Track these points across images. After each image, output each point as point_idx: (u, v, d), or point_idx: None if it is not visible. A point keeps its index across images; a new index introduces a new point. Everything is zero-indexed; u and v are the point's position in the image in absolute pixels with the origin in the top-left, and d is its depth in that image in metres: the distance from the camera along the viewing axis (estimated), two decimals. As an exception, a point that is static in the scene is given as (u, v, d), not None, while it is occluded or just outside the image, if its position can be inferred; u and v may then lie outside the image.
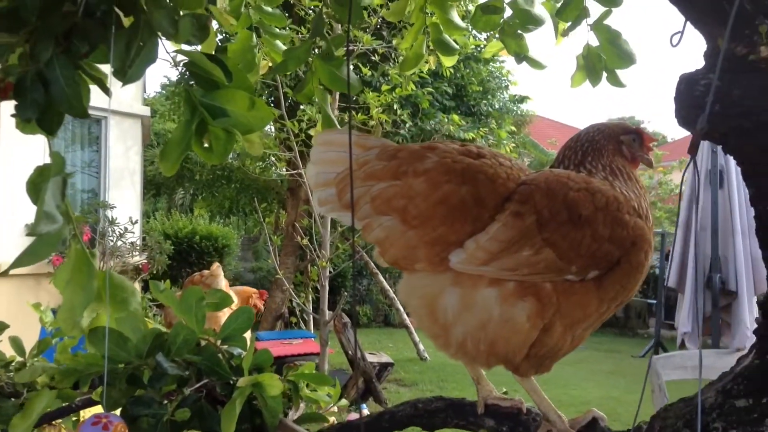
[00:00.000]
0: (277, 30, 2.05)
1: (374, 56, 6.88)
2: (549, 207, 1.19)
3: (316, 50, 1.72)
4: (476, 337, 1.17)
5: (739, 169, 1.13)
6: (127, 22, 1.22)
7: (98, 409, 1.58)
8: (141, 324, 1.35)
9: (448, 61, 2.08)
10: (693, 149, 0.96)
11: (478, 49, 10.55)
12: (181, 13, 1.25)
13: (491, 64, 12.14)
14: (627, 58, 1.74)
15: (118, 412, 1.33)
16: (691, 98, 1.04)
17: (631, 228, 1.20)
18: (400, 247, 1.23)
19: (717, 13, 1.02)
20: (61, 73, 1.17)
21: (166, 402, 1.34)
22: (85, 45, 1.21)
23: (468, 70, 11.64)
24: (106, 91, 1.25)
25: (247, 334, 1.54)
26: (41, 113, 1.17)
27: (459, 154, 1.26)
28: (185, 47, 1.28)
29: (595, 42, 1.77)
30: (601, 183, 1.26)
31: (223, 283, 5.11)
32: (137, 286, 8.44)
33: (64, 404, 1.50)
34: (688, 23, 1.08)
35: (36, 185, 1.15)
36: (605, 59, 1.77)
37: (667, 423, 1.10)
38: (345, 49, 1.67)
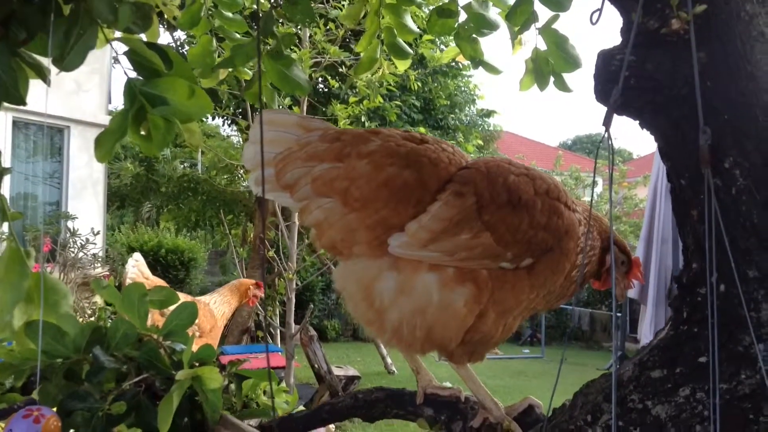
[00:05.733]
0: (238, 35, 2.05)
1: (342, 68, 6.89)
2: (489, 189, 1.20)
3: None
4: (412, 322, 1.17)
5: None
6: (66, 9, 1.20)
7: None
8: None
9: (402, 65, 2.09)
10: (607, 122, 0.98)
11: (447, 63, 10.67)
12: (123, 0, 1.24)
13: (459, 78, 12.29)
14: (573, 62, 1.77)
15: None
16: (607, 73, 1.05)
17: (566, 217, 1.22)
18: (339, 229, 1.22)
19: (631, -13, 1.03)
20: (-2, 59, 1.15)
21: (103, 396, 1.31)
22: (23, 32, 1.19)
23: (436, 84, 11.76)
24: (44, 79, 1.23)
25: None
26: (-24, 100, 1.15)
27: (402, 138, 1.27)
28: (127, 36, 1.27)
29: (543, 46, 1.80)
30: (541, 172, 1.28)
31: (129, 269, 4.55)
32: (98, 298, 8.26)
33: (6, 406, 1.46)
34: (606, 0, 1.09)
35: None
36: (552, 63, 1.80)
37: (588, 399, 1.11)
38: (293, 50, 1.67)
